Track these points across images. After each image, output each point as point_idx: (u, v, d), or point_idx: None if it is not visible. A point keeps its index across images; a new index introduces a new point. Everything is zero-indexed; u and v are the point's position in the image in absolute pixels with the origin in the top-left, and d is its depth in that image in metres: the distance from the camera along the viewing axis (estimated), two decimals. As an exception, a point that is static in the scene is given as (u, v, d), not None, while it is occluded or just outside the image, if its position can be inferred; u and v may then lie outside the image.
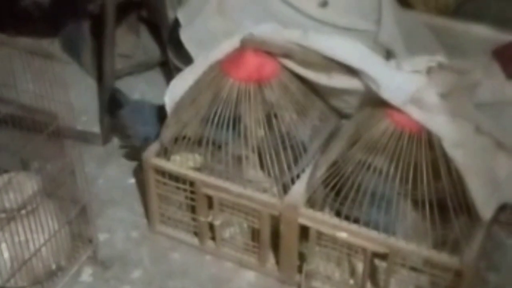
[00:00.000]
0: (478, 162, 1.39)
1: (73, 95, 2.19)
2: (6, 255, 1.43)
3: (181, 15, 1.97)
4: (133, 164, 1.98)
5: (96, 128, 2.12)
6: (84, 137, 2.08)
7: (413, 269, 1.45)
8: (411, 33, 1.85)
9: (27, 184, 1.49)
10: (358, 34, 1.86)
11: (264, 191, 1.58)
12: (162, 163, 1.63)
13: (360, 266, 1.53)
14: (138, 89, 2.27)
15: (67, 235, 1.56)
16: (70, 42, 2.40)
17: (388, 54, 1.80)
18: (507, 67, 1.75)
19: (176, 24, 2.07)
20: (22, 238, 1.44)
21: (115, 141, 2.07)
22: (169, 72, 2.28)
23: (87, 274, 1.65)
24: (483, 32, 2.00)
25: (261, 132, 1.56)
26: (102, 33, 2.01)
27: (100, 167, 1.98)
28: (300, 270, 1.59)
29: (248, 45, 1.57)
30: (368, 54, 1.48)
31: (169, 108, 1.65)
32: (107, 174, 1.95)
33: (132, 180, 1.93)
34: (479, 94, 1.54)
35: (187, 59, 1.94)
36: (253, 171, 1.64)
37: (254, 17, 1.93)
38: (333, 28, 1.88)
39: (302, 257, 1.58)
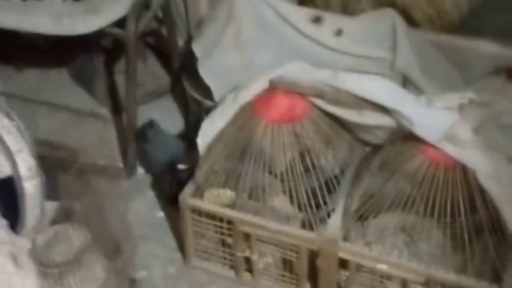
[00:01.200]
0: (512, 192, 1.45)
1: (89, 129, 2.24)
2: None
3: (197, 48, 2.00)
4: (160, 197, 2.01)
5: (118, 162, 2.14)
6: (107, 172, 2.11)
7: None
8: (425, 57, 1.90)
9: (74, 236, 1.52)
10: (374, 62, 1.91)
11: (289, 219, 1.62)
12: (199, 203, 1.67)
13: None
14: (152, 118, 2.29)
15: (114, 281, 1.60)
16: (81, 74, 2.42)
17: (405, 81, 1.86)
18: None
19: (188, 54, 2.10)
20: (74, 291, 1.47)
21: (139, 174, 2.10)
22: (181, 99, 2.32)
23: (130, 316, 1.68)
24: (489, 49, 2.06)
25: (295, 171, 1.61)
26: (126, 68, 2.01)
27: (126, 201, 2.01)
28: (338, 298, 1.64)
29: (278, 87, 1.61)
30: (399, 92, 1.54)
31: (201, 149, 1.69)
32: (135, 209, 1.98)
33: (161, 214, 1.97)
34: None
35: (203, 89, 1.98)
36: (278, 198, 1.70)
37: (270, 49, 1.97)
38: (349, 57, 1.93)
39: (339, 286, 1.64)
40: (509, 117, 1.61)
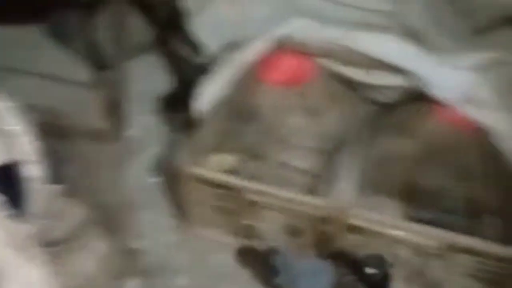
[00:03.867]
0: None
1: (71, 89, 2.12)
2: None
3: (191, 2, 1.89)
4: (151, 160, 1.93)
5: (104, 124, 2.03)
6: (93, 136, 2.01)
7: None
8: (434, 9, 1.81)
9: (73, 211, 1.44)
10: (378, 16, 1.82)
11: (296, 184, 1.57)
12: (201, 171, 1.59)
13: (405, 256, 1.57)
14: (136, 75, 2.18)
15: (114, 254, 1.53)
16: (59, 30, 2.28)
17: (414, 35, 1.77)
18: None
19: (177, 7, 1.99)
20: (76, 267, 1.40)
21: (128, 136, 2.00)
22: (168, 55, 2.21)
23: (132, 287, 1.62)
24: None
25: (303, 134, 1.54)
26: (111, 24, 1.89)
27: (117, 167, 1.91)
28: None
29: (285, 47, 1.52)
30: (414, 52, 1.47)
31: (200, 112, 1.60)
32: (127, 174, 1.89)
33: (155, 179, 1.88)
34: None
35: (193, 45, 1.88)
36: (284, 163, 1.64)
37: (266, 2, 1.86)
38: (352, 9, 1.83)
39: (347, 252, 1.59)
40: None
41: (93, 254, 1.47)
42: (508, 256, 1.42)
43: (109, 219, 1.62)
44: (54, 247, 1.39)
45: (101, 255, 1.50)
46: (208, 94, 1.58)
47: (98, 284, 1.50)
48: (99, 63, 2.18)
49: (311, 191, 1.56)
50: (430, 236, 1.45)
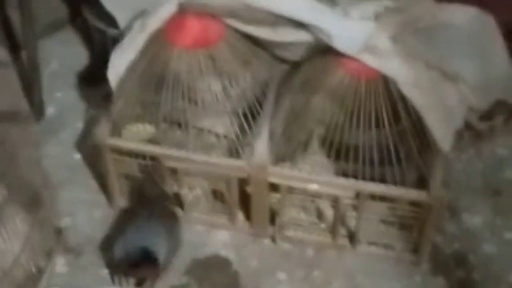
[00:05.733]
0: (433, 98, 1.45)
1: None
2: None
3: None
4: (74, 138, 1.91)
5: (23, 105, 1.99)
6: (13, 118, 1.97)
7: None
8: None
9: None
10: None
11: (214, 147, 1.59)
12: (119, 142, 1.59)
13: (327, 209, 1.61)
14: (55, 54, 2.15)
15: (38, 233, 1.52)
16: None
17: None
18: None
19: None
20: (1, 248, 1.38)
21: (48, 116, 1.98)
22: (82, 30, 2.18)
23: (60, 265, 1.61)
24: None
25: (216, 97, 1.55)
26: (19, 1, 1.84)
27: (38, 146, 1.88)
28: (271, 221, 1.63)
29: (188, 10, 1.51)
30: (314, 5, 1.48)
31: (113, 84, 1.59)
32: (49, 153, 1.86)
33: (78, 156, 1.87)
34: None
35: (106, 17, 1.86)
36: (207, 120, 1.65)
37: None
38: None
39: (271, 210, 1.62)
40: (424, 21, 1.59)
41: (15, 235, 1.46)
42: (417, 200, 1.46)
43: (32, 199, 1.60)
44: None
45: (24, 235, 1.48)
46: (119, 64, 1.56)
47: (27, 264, 1.49)
48: (13, 43, 2.13)
49: (231, 154, 1.57)
50: (345, 187, 1.49)
